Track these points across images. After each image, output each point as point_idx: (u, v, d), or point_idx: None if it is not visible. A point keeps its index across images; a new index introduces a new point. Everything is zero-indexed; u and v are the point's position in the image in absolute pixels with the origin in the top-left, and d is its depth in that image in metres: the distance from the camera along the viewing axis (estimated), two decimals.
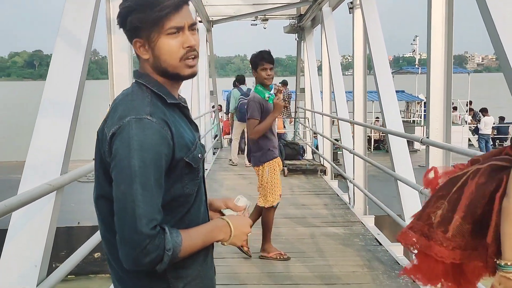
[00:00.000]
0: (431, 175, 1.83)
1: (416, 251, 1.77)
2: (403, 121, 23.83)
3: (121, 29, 1.51)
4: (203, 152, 1.54)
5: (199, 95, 10.36)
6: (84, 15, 2.97)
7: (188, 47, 1.46)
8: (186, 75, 1.50)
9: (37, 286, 2.11)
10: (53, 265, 2.39)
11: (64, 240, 7.67)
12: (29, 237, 2.25)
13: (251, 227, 1.64)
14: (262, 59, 4.54)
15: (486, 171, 1.63)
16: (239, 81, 10.99)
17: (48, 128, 2.59)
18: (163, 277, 1.44)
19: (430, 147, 4.15)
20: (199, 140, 1.64)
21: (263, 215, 4.81)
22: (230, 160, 11.13)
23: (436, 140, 4.11)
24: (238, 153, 11.28)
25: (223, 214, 1.65)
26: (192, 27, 1.49)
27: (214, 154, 12.85)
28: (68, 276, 2.25)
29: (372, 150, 18.36)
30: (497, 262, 1.53)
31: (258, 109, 4.51)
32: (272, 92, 4.69)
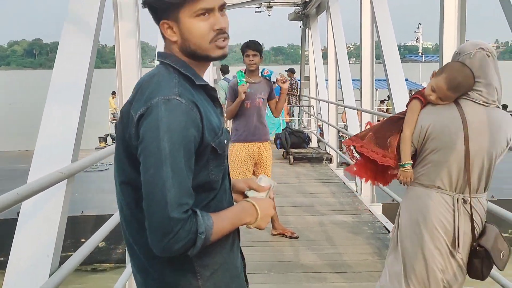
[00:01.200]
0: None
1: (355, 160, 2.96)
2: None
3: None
4: (228, 138, 1.48)
5: None
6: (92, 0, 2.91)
7: (218, 29, 1.40)
8: (217, 56, 1.45)
9: (49, 276, 2.06)
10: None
11: (68, 230, 7.62)
12: (40, 226, 2.20)
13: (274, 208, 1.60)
14: (246, 47, 4.77)
15: (390, 118, 2.87)
16: (223, 71, 10.94)
17: (57, 115, 2.52)
18: (189, 266, 1.40)
19: None
20: (225, 125, 1.59)
21: None
22: None
23: None
24: None
25: (246, 197, 1.59)
26: (222, 8, 1.43)
27: None
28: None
29: None
30: (399, 164, 2.64)
31: (232, 92, 4.77)
32: (277, 77, 4.89)
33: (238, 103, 4.68)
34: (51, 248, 2.14)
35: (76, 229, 7.59)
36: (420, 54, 27.17)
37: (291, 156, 9.64)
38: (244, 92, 4.60)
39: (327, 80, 10.60)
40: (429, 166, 2.57)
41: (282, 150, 10.21)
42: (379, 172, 2.87)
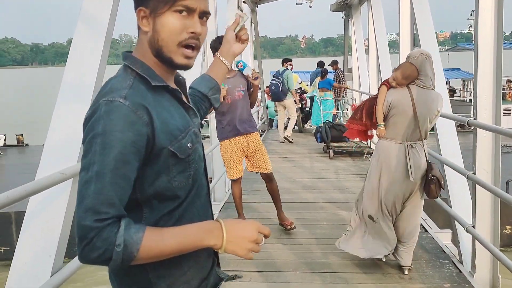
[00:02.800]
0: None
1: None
2: (458, 100, 22.97)
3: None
4: (195, 141, 1.39)
5: None
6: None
7: (192, 32, 1.33)
8: (179, 64, 1.36)
9: (51, 276, 2.08)
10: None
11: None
12: (44, 226, 2.22)
13: (266, 235, 1.36)
14: (218, 43, 4.49)
15: (371, 99, 4.22)
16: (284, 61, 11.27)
17: (67, 114, 2.53)
18: (144, 277, 1.34)
19: (478, 129, 3.86)
20: (200, 127, 1.52)
21: None
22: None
23: (484, 122, 3.81)
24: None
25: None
26: (204, 15, 1.36)
27: (260, 136, 12.75)
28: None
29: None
30: (376, 125, 4.01)
31: None
32: (247, 73, 4.61)
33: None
34: (54, 249, 2.15)
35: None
36: (473, 42, 26.04)
37: (331, 150, 9.48)
38: (224, 96, 4.61)
39: (369, 72, 10.34)
40: (390, 126, 4.00)
41: (322, 144, 10.06)
42: (362, 134, 4.43)
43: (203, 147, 1.52)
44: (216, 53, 1.82)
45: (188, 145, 1.35)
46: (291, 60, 11.41)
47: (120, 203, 1.21)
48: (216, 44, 4.61)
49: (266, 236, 1.37)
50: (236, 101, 4.79)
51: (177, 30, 1.32)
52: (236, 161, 4.96)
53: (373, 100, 4.18)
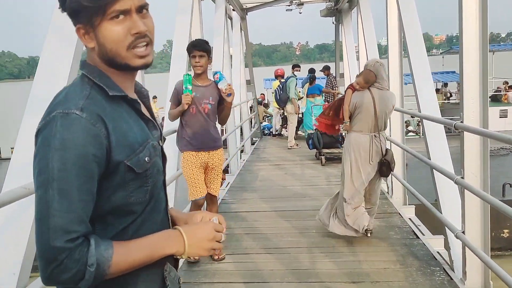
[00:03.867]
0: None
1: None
2: (454, 104, 22.94)
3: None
4: (153, 154, 1.32)
5: (233, 85, 10.18)
6: None
7: (136, 33, 1.25)
8: (137, 66, 1.29)
9: None
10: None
11: None
12: (7, 242, 2.13)
13: (221, 231, 1.39)
14: (192, 46, 4.31)
15: (340, 98, 5.25)
16: (294, 67, 11.59)
17: (34, 127, 2.44)
18: None
19: (465, 132, 3.78)
20: (160, 140, 1.43)
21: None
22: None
23: (471, 125, 3.73)
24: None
25: None
26: (141, 9, 1.27)
27: (252, 144, 12.68)
28: None
29: (421, 135, 17.68)
30: (343, 121, 4.95)
31: (175, 94, 4.38)
32: (221, 87, 4.27)
33: (180, 112, 4.32)
34: (18, 266, 2.05)
35: None
36: None
37: (323, 157, 9.39)
38: (187, 103, 4.23)
39: None
40: (356, 121, 4.86)
41: (314, 150, 9.97)
42: (329, 128, 5.57)
43: (164, 159, 1.45)
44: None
45: (146, 159, 1.29)
46: (299, 66, 11.59)
47: (87, 220, 1.19)
48: (189, 48, 4.32)
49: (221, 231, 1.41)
50: (200, 114, 4.35)
51: (120, 37, 1.25)
52: (193, 177, 4.42)
53: (341, 100, 5.12)
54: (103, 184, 1.22)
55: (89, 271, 1.14)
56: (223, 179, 8.17)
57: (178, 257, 1.36)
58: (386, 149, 4.90)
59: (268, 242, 5.04)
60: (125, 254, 1.21)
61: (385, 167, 4.84)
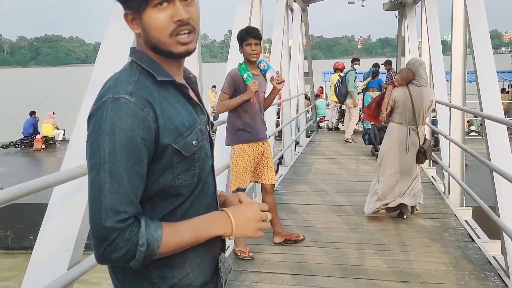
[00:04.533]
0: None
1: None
2: None
3: None
4: (200, 138, 1.35)
5: (290, 77, 10.18)
6: None
7: (178, 21, 1.29)
8: (179, 53, 1.33)
9: (68, 269, 2.10)
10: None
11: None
12: (63, 219, 2.24)
13: (267, 210, 1.41)
14: (246, 34, 4.24)
15: (383, 93, 5.91)
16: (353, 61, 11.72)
17: None
18: (147, 277, 1.31)
19: None
20: (208, 125, 1.47)
21: None
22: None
23: None
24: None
25: None
26: None
27: (308, 137, 12.63)
28: None
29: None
30: (381, 113, 5.66)
31: (231, 84, 4.22)
32: (271, 75, 4.28)
33: (243, 101, 4.17)
34: (72, 242, 2.16)
35: None
36: None
37: (378, 153, 9.22)
38: (256, 91, 4.13)
39: None
40: (396, 114, 5.40)
41: (370, 146, 9.82)
42: (374, 118, 6.09)
43: (212, 144, 1.48)
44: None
45: (194, 142, 1.32)
46: (358, 60, 11.65)
47: (137, 201, 1.23)
48: (243, 36, 4.24)
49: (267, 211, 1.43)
50: (259, 103, 4.32)
51: (163, 24, 1.29)
52: (248, 169, 4.36)
53: (383, 95, 5.75)
54: (152, 166, 1.27)
55: (140, 250, 1.19)
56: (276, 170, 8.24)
57: (226, 238, 1.39)
58: (425, 139, 5.46)
59: (318, 235, 5.04)
60: (174, 234, 1.26)
61: (421, 154, 5.34)
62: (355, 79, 11.17)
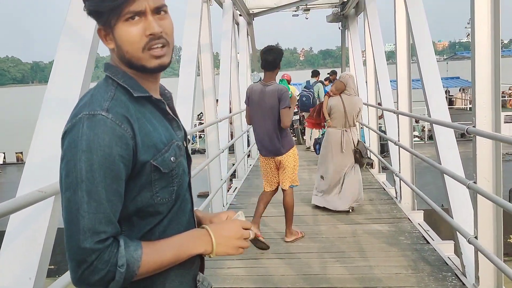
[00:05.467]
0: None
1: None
2: (459, 109, 22.88)
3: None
4: (178, 154, 1.32)
5: (240, 90, 10.20)
6: None
7: (150, 34, 1.25)
8: (153, 67, 1.29)
9: None
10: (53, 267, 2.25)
11: (58, 242, 7.62)
12: (23, 246, 2.12)
13: (249, 228, 1.39)
14: (276, 55, 4.93)
15: (321, 103, 6.95)
16: (314, 74, 12.63)
17: (49, 131, 2.44)
18: None
19: (477, 137, 3.77)
20: (184, 141, 1.43)
21: None
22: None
23: (483, 130, 3.72)
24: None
25: None
26: (158, 10, 1.27)
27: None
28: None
29: (426, 140, 17.64)
30: (324, 120, 6.58)
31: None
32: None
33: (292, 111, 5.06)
34: (34, 270, 2.05)
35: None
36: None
37: (319, 155, 9.36)
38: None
39: (366, 82, 10.28)
40: (333, 120, 6.33)
41: None
42: (316, 125, 7.28)
43: (189, 160, 1.45)
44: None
45: (171, 159, 1.29)
46: (319, 73, 12.54)
47: (116, 220, 1.19)
48: (269, 57, 4.90)
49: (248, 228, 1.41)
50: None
51: (135, 38, 1.25)
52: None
53: (321, 104, 6.70)
54: (130, 184, 1.23)
55: (119, 271, 1.15)
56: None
57: (206, 256, 1.36)
58: (358, 141, 6.39)
59: (278, 247, 5.04)
60: (154, 254, 1.22)
61: (358, 155, 6.26)
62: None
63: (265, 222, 5.96)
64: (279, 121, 4.82)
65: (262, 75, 5.11)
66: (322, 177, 6.39)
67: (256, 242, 4.71)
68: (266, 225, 5.84)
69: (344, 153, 6.22)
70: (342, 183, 6.26)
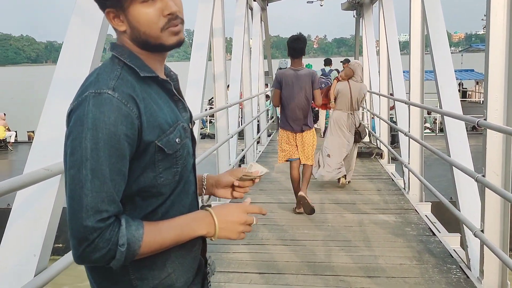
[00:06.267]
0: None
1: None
2: (473, 102, 22.65)
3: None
4: (183, 136, 1.32)
5: (251, 76, 10.17)
6: None
7: (169, 14, 1.25)
8: (172, 44, 1.29)
9: (35, 276, 2.01)
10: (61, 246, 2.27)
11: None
12: (29, 224, 2.14)
13: (255, 212, 1.38)
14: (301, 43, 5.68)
15: (329, 86, 8.58)
16: (326, 63, 12.69)
17: (57, 110, 2.44)
18: (126, 278, 1.27)
19: (488, 130, 3.73)
20: (190, 123, 1.43)
21: None
22: None
23: (494, 123, 3.68)
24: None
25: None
26: None
27: (269, 136, 12.66)
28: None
29: (437, 132, 17.52)
30: (330, 102, 7.46)
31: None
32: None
33: None
34: (38, 248, 2.07)
35: (65, 221, 7.63)
36: None
37: (326, 133, 9.35)
38: None
39: (379, 72, 10.20)
40: (338, 102, 7.01)
41: None
42: (323, 106, 7.87)
43: (194, 142, 1.44)
44: (206, 175, 1.60)
45: (176, 140, 1.29)
46: (332, 62, 12.75)
47: (118, 200, 1.19)
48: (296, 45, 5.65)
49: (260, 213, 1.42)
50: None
51: (154, 19, 1.25)
52: None
53: (329, 88, 7.45)
54: (133, 164, 1.23)
55: (120, 250, 1.15)
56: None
57: (208, 238, 1.35)
58: (360, 123, 7.15)
59: (284, 233, 5.06)
60: (156, 234, 1.22)
61: (357, 135, 7.04)
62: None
63: (271, 208, 5.98)
64: (309, 100, 5.62)
65: (288, 61, 5.97)
66: (329, 155, 6.96)
67: (304, 205, 5.53)
68: (273, 211, 5.85)
69: (349, 133, 6.98)
70: (345, 158, 7.01)
